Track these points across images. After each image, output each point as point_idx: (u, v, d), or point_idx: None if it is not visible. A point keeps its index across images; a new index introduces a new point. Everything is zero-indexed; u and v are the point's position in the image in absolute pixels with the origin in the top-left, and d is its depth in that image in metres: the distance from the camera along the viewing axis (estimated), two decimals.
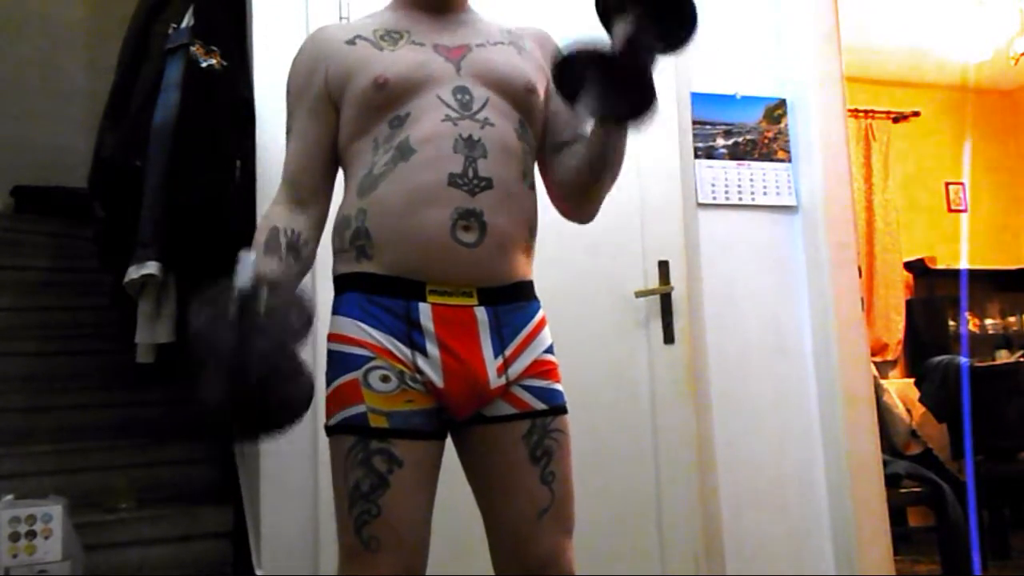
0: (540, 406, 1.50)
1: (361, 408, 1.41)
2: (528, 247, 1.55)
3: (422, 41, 1.55)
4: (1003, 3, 4.98)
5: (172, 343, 2.58)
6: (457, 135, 1.46)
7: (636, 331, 2.64)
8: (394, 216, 1.45)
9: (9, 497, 2.30)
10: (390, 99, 1.48)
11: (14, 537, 2.19)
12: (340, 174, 1.61)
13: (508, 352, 1.49)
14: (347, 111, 1.53)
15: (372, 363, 1.43)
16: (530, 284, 1.57)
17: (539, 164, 1.64)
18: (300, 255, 1.53)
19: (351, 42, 1.55)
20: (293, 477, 2.30)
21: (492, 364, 1.47)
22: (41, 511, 2.23)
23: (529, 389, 1.50)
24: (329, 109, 1.56)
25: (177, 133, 2.47)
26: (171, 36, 2.60)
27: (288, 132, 1.61)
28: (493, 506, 1.50)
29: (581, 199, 1.60)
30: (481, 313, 1.47)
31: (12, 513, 2.21)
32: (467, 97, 1.50)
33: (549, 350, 1.55)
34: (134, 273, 2.47)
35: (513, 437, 1.48)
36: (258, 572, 2.28)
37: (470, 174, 1.45)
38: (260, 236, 1.51)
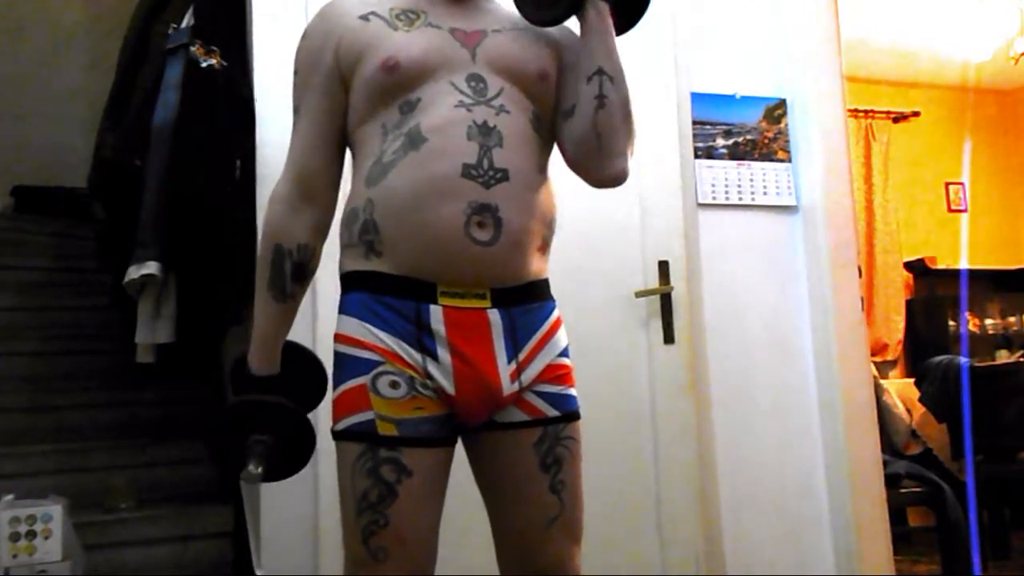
0: (552, 413, 1.46)
1: (369, 415, 1.37)
2: (545, 244, 1.49)
3: (439, 24, 1.48)
4: (1003, 3, 4.98)
5: (172, 343, 2.58)
6: (471, 121, 1.40)
7: (636, 331, 2.64)
8: (404, 209, 1.38)
9: (9, 497, 2.30)
10: (401, 83, 1.42)
11: (14, 537, 2.19)
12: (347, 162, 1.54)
13: (522, 356, 1.44)
14: (356, 93, 1.46)
15: (381, 368, 1.38)
16: (545, 283, 1.52)
17: (556, 142, 1.57)
18: (307, 274, 1.50)
19: (365, 18, 1.48)
20: (293, 477, 2.30)
21: (505, 370, 1.42)
22: (41, 511, 2.22)
23: (542, 395, 1.46)
24: (339, 88, 1.48)
25: (177, 133, 2.47)
26: (171, 36, 2.59)
27: (296, 112, 1.52)
28: (501, 512, 1.48)
29: (598, 143, 1.49)
30: (495, 316, 1.42)
31: (12, 513, 2.21)
32: (481, 84, 1.44)
33: (564, 353, 1.51)
34: (134, 273, 2.47)
35: (524, 445, 1.44)
36: (258, 572, 2.28)
37: (485, 164, 1.38)
38: (263, 269, 1.47)
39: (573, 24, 1.65)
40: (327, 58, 1.48)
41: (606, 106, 1.49)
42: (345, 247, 1.49)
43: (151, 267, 2.46)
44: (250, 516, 2.50)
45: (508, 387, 1.43)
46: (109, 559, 2.54)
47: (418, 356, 1.40)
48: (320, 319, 2.31)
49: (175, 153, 2.48)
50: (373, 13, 1.49)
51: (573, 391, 1.51)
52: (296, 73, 1.54)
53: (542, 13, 1.54)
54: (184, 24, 2.58)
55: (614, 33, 1.52)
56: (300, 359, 1.59)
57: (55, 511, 2.23)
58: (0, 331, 3.43)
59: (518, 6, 1.55)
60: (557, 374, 1.49)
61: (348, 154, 1.56)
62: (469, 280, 1.41)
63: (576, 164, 1.55)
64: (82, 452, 2.93)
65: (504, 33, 1.52)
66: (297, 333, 2.34)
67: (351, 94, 1.48)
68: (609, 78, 1.49)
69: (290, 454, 1.48)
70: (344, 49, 1.47)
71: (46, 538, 2.21)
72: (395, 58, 1.42)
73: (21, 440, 2.96)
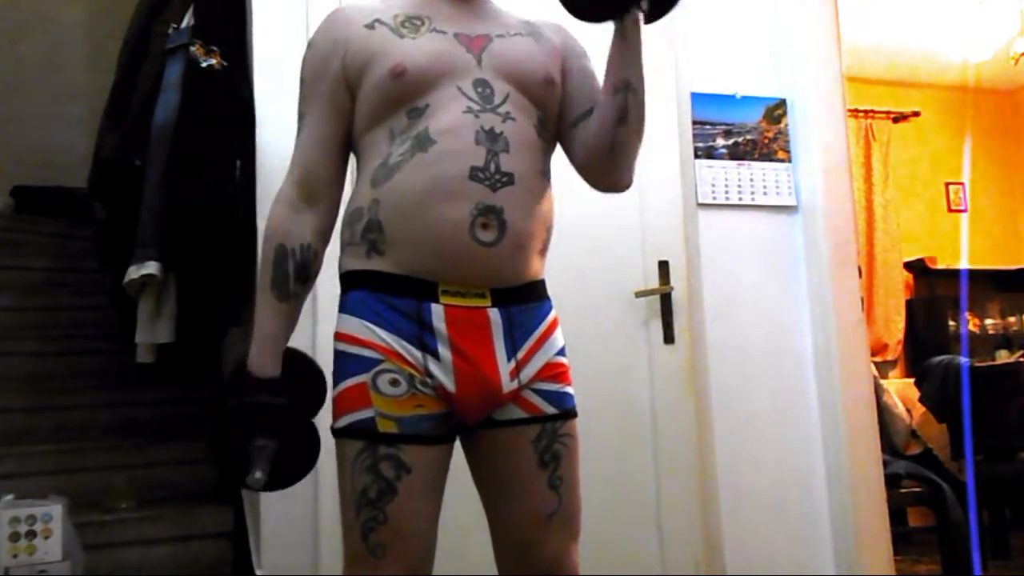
0: (550, 410, 1.48)
1: (369, 412, 1.39)
2: (544, 247, 1.52)
3: (444, 29, 1.50)
4: (1003, 3, 4.98)
5: (172, 343, 2.58)
6: (479, 127, 1.42)
7: (636, 331, 2.64)
8: (410, 209, 1.40)
9: (9, 497, 2.30)
10: (408, 90, 1.44)
11: (14, 537, 2.19)
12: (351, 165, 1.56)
13: (521, 355, 1.46)
14: (363, 100, 1.48)
15: (381, 366, 1.40)
16: (542, 284, 1.54)
17: (561, 144, 1.60)
18: (310, 275, 1.50)
19: (370, 26, 1.49)
20: None
21: (505, 368, 1.44)
22: (41, 511, 2.22)
23: (540, 393, 1.48)
24: (346, 96, 1.49)
25: (177, 133, 2.47)
26: (171, 36, 2.59)
27: (301, 119, 1.54)
28: (500, 509, 1.49)
29: (612, 154, 1.53)
30: (494, 315, 1.44)
31: (12, 513, 2.20)
32: (488, 90, 1.46)
33: (561, 352, 1.53)
34: (134, 273, 2.47)
35: (522, 441, 1.46)
36: (258, 572, 2.28)
37: (492, 168, 1.41)
38: (266, 269, 1.46)
39: (575, 28, 1.65)
40: (334, 65, 1.50)
41: (627, 123, 1.50)
42: (346, 245, 1.50)
43: (151, 267, 2.46)
44: (250, 516, 2.50)
45: (508, 385, 1.44)
46: (109, 559, 2.54)
47: (419, 354, 1.41)
48: (320, 320, 2.31)
49: (175, 153, 2.47)
50: (378, 21, 1.50)
51: (570, 389, 1.53)
52: (303, 82, 1.55)
53: (596, 11, 1.48)
54: (184, 24, 2.58)
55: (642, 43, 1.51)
56: (301, 365, 1.57)
57: (55, 511, 2.23)
58: (0, 331, 3.43)
59: (566, 3, 1.49)
60: (554, 372, 1.51)
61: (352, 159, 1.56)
62: (470, 280, 1.43)
63: (585, 169, 1.58)
64: (82, 452, 2.93)
65: (508, 38, 1.53)
66: (297, 334, 2.34)
67: (358, 101, 1.49)
68: (635, 92, 1.50)
69: (294, 459, 1.46)
70: (351, 56, 1.48)
71: (46, 538, 2.21)
72: (403, 65, 1.44)
73: (21, 440, 2.96)
